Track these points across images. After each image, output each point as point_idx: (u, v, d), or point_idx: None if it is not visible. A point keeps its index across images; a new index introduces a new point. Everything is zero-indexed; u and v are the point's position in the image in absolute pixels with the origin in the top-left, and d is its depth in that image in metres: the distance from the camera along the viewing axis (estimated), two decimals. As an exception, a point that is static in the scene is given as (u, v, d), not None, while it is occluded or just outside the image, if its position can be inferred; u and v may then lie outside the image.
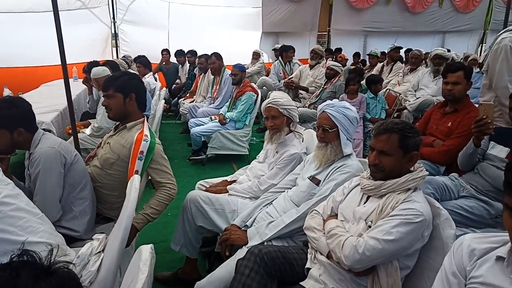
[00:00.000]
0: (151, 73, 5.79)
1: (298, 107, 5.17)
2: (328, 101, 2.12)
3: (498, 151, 2.44)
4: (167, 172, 2.16)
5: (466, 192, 2.39)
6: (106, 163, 2.13)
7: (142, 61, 5.71)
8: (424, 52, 6.36)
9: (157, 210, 2.08)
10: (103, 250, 1.64)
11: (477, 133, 2.32)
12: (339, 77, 5.04)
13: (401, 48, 6.16)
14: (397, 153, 1.58)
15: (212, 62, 5.02)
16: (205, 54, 5.61)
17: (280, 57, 6.66)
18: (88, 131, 3.73)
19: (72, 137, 2.96)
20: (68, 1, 7.33)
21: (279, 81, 6.39)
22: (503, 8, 9.50)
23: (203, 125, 4.57)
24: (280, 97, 2.52)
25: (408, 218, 1.46)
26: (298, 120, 2.58)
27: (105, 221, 2.22)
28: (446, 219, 1.54)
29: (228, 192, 2.50)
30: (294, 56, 6.63)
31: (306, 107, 5.14)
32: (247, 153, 4.57)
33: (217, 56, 5.01)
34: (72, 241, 1.93)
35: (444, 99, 3.05)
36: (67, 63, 2.72)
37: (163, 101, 4.31)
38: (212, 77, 5.27)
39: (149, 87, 5.23)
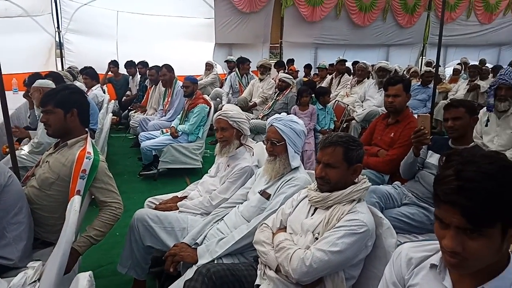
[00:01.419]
0: (99, 85, 5.57)
1: (251, 119, 5.26)
2: (276, 115, 2.16)
3: (436, 159, 2.60)
4: (112, 191, 2.06)
5: (408, 200, 2.52)
6: (45, 183, 2.00)
7: (89, 73, 5.49)
8: (370, 65, 6.70)
9: (102, 232, 1.97)
10: (39, 279, 1.53)
11: (416, 143, 2.47)
12: (291, 88, 5.16)
13: (346, 61, 6.42)
14: (342, 166, 1.63)
15: (163, 74, 4.93)
16: (156, 66, 5.50)
17: (237, 69, 6.66)
18: (27, 147, 3.49)
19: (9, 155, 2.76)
20: (7, 7, 6.90)
21: (231, 94, 6.40)
22: (438, 24, 10.30)
23: (154, 138, 4.45)
24: (230, 110, 2.52)
25: (352, 229, 1.51)
26: (249, 133, 2.60)
27: (44, 246, 2.07)
28: (388, 228, 1.61)
29: (178, 208, 2.44)
30: (250, 68, 6.65)
31: (259, 118, 5.19)
32: (201, 166, 4.51)
33: (168, 68, 4.93)
34: (6, 270, 1.78)
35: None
36: (6, 73, 2.51)
37: (110, 114, 4.15)
38: (164, 89, 5.17)
39: (96, 100, 5.03)
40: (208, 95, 6.49)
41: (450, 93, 7.01)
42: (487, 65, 9.14)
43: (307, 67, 8.86)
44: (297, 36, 9.59)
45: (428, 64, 9.29)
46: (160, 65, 5.16)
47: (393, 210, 2.45)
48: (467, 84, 6.78)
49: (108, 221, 2.00)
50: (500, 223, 0.91)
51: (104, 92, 5.55)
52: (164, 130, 4.56)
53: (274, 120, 2.10)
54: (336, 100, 5.36)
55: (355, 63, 7.27)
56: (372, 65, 6.79)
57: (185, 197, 2.62)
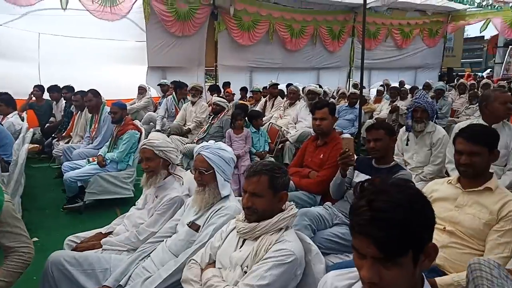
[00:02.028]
0: (16, 112, 5.11)
1: (186, 143, 5.14)
2: (204, 143, 2.11)
3: (361, 178, 2.72)
4: (20, 234, 1.83)
5: (338, 220, 2.58)
6: None
7: (4, 99, 5.02)
8: (302, 87, 6.97)
9: (6, 282, 1.73)
10: None
11: (342, 164, 2.56)
12: (226, 112, 5.14)
13: (278, 84, 6.58)
14: (268, 194, 1.61)
15: (89, 100, 4.66)
16: (81, 91, 5.19)
17: (174, 93, 6.48)
18: None
19: None
20: None
21: (167, 118, 6.22)
22: (357, 49, 11.18)
23: (79, 168, 4.13)
24: (156, 138, 2.42)
25: (280, 259, 1.48)
26: (177, 162, 2.50)
27: None
28: (317, 254, 1.61)
29: (102, 246, 2.25)
30: (187, 93, 6.47)
31: (194, 143, 5.08)
32: (132, 195, 4.26)
33: (94, 93, 4.67)
34: None
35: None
36: None
37: (27, 144, 3.78)
38: (90, 115, 4.88)
39: (13, 129, 4.61)
40: (140, 120, 6.27)
41: (375, 112, 7.51)
42: (406, 86, 9.99)
43: (243, 90, 8.98)
44: (231, 59, 9.74)
45: (355, 86, 9.90)
46: (86, 91, 4.86)
47: (325, 231, 2.49)
48: (389, 104, 7.32)
49: (15, 269, 1.77)
50: (411, 251, 0.94)
51: (22, 120, 5.09)
52: (91, 159, 4.26)
53: (201, 149, 2.04)
54: (270, 123, 5.46)
55: (288, 86, 7.52)
56: (303, 88, 7.08)
57: (110, 233, 2.43)
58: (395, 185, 0.99)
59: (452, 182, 2.09)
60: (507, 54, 14.82)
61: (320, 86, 8.38)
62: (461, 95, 8.10)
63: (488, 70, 17.81)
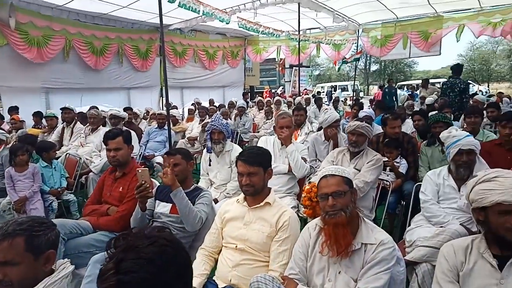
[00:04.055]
0: None
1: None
2: None
3: (163, 208, 2.65)
4: None
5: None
6: None
7: None
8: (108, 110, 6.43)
9: None
10: None
11: (140, 198, 2.42)
12: (5, 146, 4.25)
13: (71, 109, 5.81)
14: (26, 259, 1.32)
15: None
16: None
17: None
18: None
19: None
20: None
21: None
22: (171, 68, 11.34)
23: None
24: None
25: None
26: None
27: None
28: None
29: None
30: None
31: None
32: None
33: None
34: None
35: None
36: None
37: None
38: None
39: None
40: None
41: (186, 132, 7.65)
42: (215, 104, 10.65)
43: (37, 115, 7.68)
44: (19, 79, 8.21)
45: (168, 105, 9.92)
46: None
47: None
48: (199, 123, 7.60)
49: None
50: None
51: None
52: None
53: None
54: (67, 153, 4.79)
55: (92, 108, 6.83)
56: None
57: None
58: (147, 237, 0.93)
59: (240, 201, 2.24)
60: (292, 74, 17.83)
61: (130, 108, 8.09)
62: (260, 111, 9.16)
63: (281, 88, 20.98)
